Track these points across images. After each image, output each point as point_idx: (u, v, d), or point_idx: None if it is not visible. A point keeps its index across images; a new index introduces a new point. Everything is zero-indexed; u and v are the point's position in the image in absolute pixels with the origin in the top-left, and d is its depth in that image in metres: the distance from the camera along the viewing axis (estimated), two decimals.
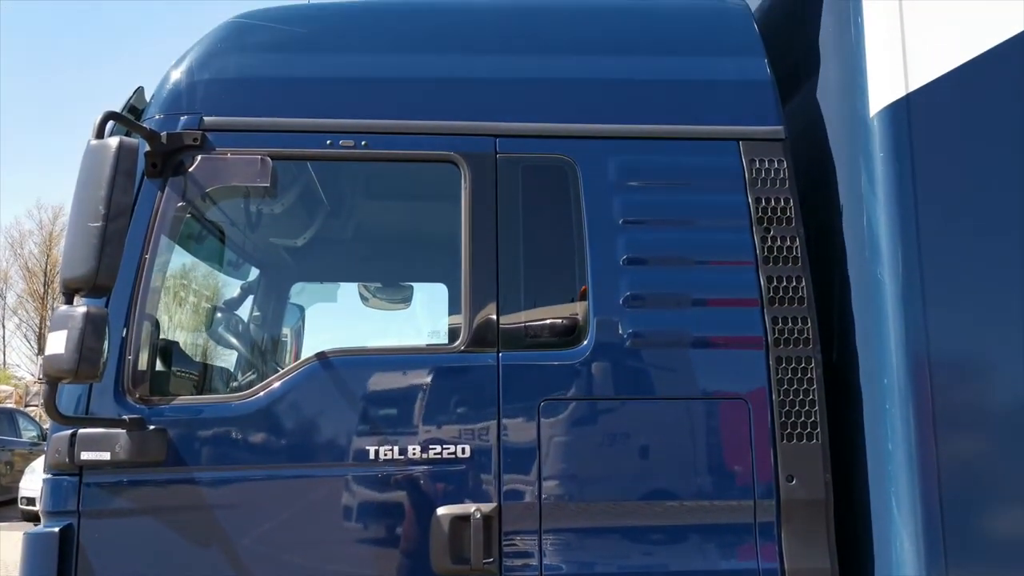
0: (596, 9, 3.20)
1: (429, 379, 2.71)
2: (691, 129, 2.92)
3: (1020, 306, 2.66)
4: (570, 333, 2.77)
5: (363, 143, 2.86)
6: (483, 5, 3.28)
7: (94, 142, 2.49)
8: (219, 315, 3.95)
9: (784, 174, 2.85)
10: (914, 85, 2.69)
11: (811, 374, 2.72)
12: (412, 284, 4.91)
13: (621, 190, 2.85)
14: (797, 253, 2.80)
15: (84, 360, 2.29)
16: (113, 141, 2.46)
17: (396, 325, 5.11)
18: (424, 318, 5.12)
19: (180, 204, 2.81)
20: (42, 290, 42.70)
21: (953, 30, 2.75)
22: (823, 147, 3.04)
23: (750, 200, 2.83)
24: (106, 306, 2.57)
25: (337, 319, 5.21)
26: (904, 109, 2.69)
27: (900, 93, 2.69)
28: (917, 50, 2.71)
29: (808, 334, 2.75)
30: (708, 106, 2.96)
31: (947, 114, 2.74)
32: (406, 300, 4.93)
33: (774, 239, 2.80)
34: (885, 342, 2.63)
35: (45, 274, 42.78)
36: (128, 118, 2.72)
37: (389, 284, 4.90)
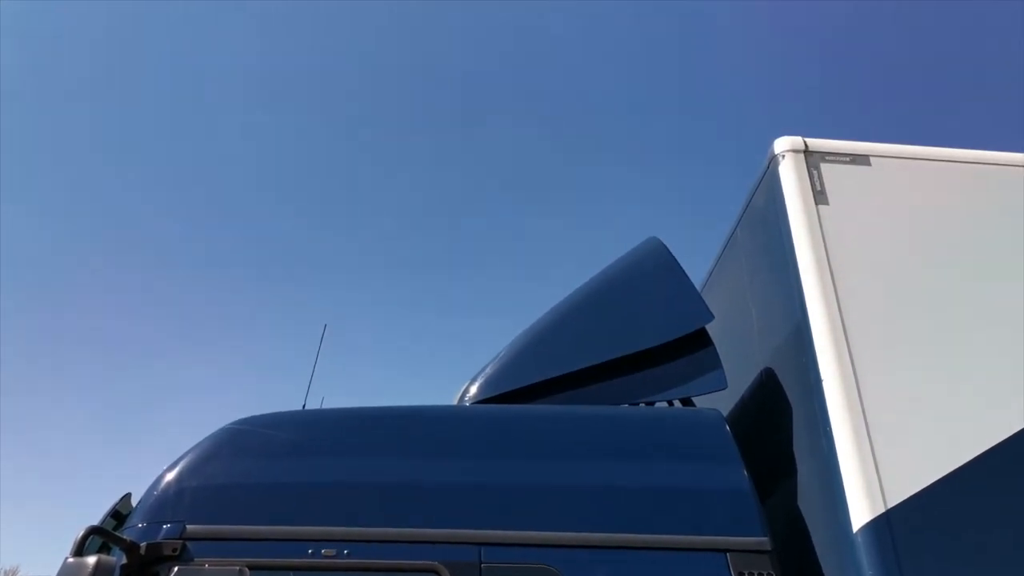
0: (576, 417, 3.35)
1: None
2: (677, 539, 2.87)
3: None
4: None
5: (345, 551, 2.80)
6: (465, 413, 3.43)
7: (71, 560, 2.44)
8: None
9: None
10: (892, 502, 2.74)
11: None
12: None
13: None
14: None
15: None
16: (91, 560, 2.42)
17: None
18: None
19: None
20: None
21: (921, 449, 2.87)
22: (812, 562, 3.00)
23: None
24: None
25: None
26: (886, 526, 2.71)
27: (880, 510, 2.73)
28: (890, 467, 2.80)
29: None
30: (691, 515, 2.94)
31: (930, 527, 2.75)
32: None
33: None
34: None
35: None
36: (109, 532, 2.68)
37: None
